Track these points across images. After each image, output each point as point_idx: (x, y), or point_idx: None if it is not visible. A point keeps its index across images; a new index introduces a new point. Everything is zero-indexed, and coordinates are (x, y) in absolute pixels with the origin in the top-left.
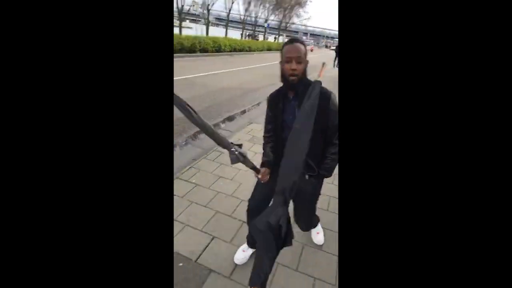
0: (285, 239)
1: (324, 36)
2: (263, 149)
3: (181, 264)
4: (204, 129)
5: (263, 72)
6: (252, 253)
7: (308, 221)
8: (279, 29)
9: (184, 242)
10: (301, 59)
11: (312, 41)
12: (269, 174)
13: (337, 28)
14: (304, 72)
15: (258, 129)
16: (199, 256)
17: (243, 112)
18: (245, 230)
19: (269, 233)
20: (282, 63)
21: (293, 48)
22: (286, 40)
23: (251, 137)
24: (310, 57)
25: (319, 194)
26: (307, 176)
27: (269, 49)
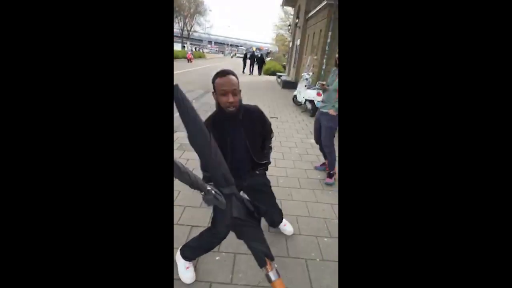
0: (257, 214)
1: (228, 44)
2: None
3: None
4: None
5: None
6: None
7: (278, 208)
8: (182, 37)
9: None
10: (236, 91)
11: (217, 49)
12: None
13: (239, 37)
14: (240, 101)
15: (183, 136)
16: None
17: None
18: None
19: (241, 222)
20: (217, 95)
21: (227, 81)
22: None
23: (179, 145)
24: (218, 64)
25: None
26: (257, 172)
27: (176, 58)
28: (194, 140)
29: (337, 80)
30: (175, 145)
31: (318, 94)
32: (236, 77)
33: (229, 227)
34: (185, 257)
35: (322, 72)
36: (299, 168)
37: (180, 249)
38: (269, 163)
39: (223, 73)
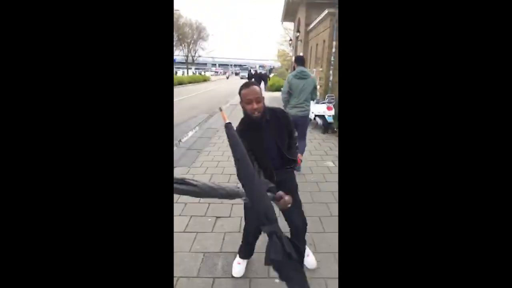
0: (297, 254)
1: (231, 65)
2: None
3: None
4: (215, 192)
5: (184, 105)
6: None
7: (300, 210)
8: (187, 63)
9: None
10: (260, 99)
11: (221, 70)
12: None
13: (242, 57)
14: (264, 107)
15: (183, 173)
16: None
17: None
18: None
19: (281, 264)
20: (243, 103)
21: (251, 91)
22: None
23: None
24: (223, 85)
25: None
26: (287, 168)
27: (181, 83)
28: (243, 175)
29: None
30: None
31: (329, 108)
32: (259, 86)
33: (259, 228)
34: (239, 253)
35: (330, 84)
36: (318, 202)
37: (239, 248)
38: (296, 160)
39: (246, 85)
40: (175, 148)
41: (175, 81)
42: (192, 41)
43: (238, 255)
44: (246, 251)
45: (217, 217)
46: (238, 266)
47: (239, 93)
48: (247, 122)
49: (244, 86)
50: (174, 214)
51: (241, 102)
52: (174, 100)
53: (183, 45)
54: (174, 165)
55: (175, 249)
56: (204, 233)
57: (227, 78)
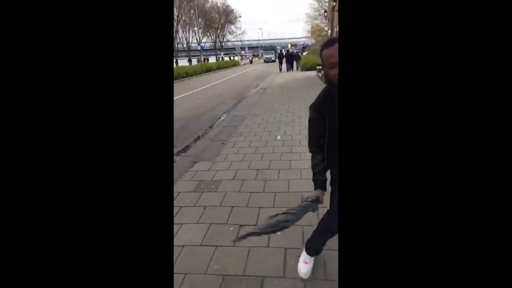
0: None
1: (261, 47)
2: (315, 164)
3: None
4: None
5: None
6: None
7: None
8: (215, 49)
9: None
10: None
11: (250, 53)
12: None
13: (272, 37)
14: None
15: (205, 169)
16: None
17: (184, 150)
18: None
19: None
20: (325, 68)
21: (336, 51)
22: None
23: (197, 183)
24: (252, 69)
25: None
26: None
27: (209, 70)
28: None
29: None
30: (192, 185)
31: None
32: None
33: None
34: (308, 249)
35: None
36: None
37: (306, 243)
38: None
39: (331, 43)
40: (200, 140)
41: (203, 67)
42: (220, 26)
43: (304, 251)
44: (316, 248)
45: (241, 225)
46: (306, 266)
47: (320, 54)
48: (329, 93)
49: (327, 44)
50: (191, 222)
51: (323, 67)
52: (202, 87)
53: (210, 31)
54: (196, 160)
55: (186, 270)
56: (224, 248)
57: (251, 62)
